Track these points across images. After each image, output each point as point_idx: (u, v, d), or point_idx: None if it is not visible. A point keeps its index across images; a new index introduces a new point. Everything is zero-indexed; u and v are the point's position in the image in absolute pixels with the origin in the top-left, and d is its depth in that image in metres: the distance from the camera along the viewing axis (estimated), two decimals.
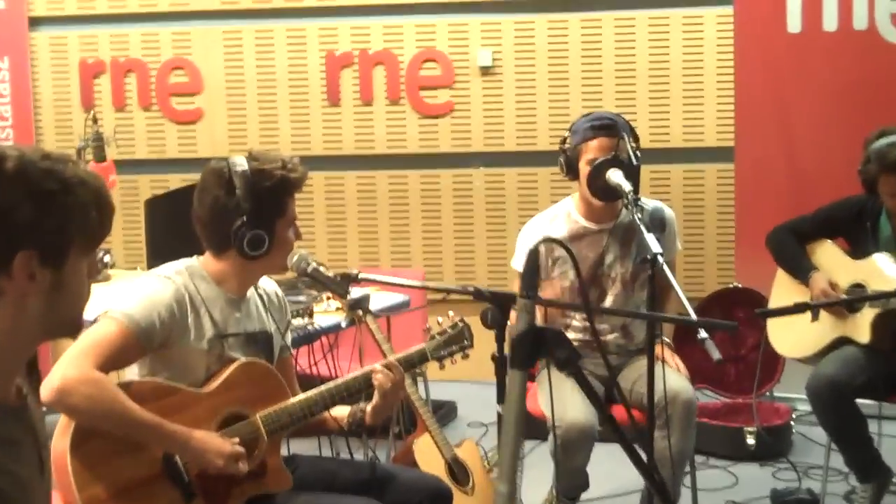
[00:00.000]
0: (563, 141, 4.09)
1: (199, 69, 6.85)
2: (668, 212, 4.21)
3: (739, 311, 5.59)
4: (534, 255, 2.13)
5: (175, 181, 6.54)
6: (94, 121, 5.04)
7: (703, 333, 3.04)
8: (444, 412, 5.94)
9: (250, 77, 6.84)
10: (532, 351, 2.09)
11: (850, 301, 4.34)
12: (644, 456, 2.46)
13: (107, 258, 4.96)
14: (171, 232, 4.61)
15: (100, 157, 4.97)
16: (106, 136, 4.98)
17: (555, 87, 6.61)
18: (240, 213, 2.96)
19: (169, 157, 6.90)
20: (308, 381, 3.44)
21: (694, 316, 3.10)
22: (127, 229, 6.55)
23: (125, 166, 6.76)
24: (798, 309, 2.94)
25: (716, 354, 3.02)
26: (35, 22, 6.88)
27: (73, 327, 1.86)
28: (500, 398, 2.71)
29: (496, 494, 2.06)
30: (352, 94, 6.78)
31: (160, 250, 4.57)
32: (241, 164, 2.99)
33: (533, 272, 2.12)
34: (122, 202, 6.79)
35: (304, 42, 6.78)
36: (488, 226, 6.70)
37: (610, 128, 3.97)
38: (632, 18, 6.52)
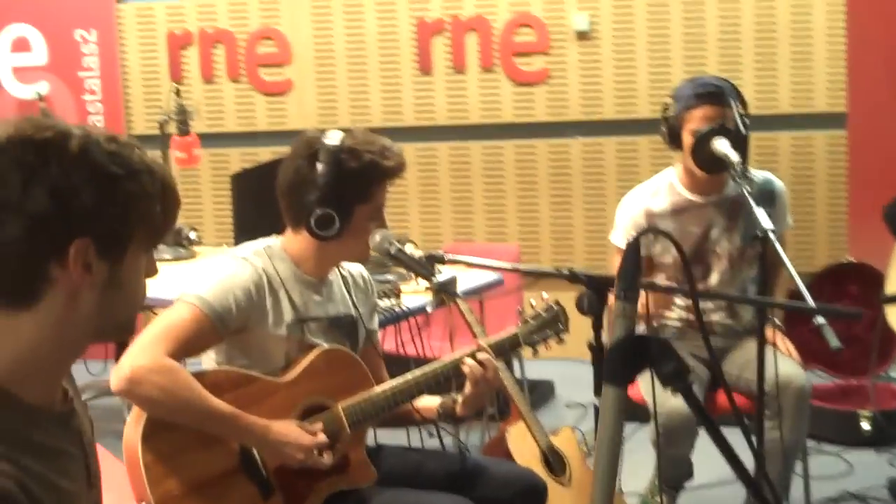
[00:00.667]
0: (665, 108, 3.84)
1: (288, 39, 6.70)
2: (779, 184, 3.96)
3: (853, 287, 5.34)
4: (634, 249, 1.85)
5: (265, 154, 6.41)
6: (177, 93, 4.92)
7: (820, 319, 2.79)
8: (541, 393, 5.75)
9: (339, 47, 6.67)
10: (632, 363, 1.80)
11: None
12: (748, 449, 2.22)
13: (192, 234, 4.84)
14: (258, 208, 4.46)
15: (183, 130, 4.85)
16: (189, 110, 4.84)
17: (655, 52, 6.33)
18: (317, 187, 2.77)
19: (258, 130, 6.77)
20: (396, 361, 3.28)
21: (811, 301, 2.84)
22: (217, 205, 6.45)
23: (214, 139, 6.69)
24: None
25: (834, 342, 2.77)
26: None
27: (126, 329, 1.69)
28: (597, 390, 2.48)
29: None
30: (444, 63, 6.58)
31: (247, 227, 4.42)
32: (334, 137, 2.82)
33: (634, 269, 1.84)
34: (212, 176, 6.72)
35: (394, 9, 6.59)
36: (586, 198, 6.46)
37: (716, 95, 3.72)
38: None
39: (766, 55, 6.21)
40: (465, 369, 2.90)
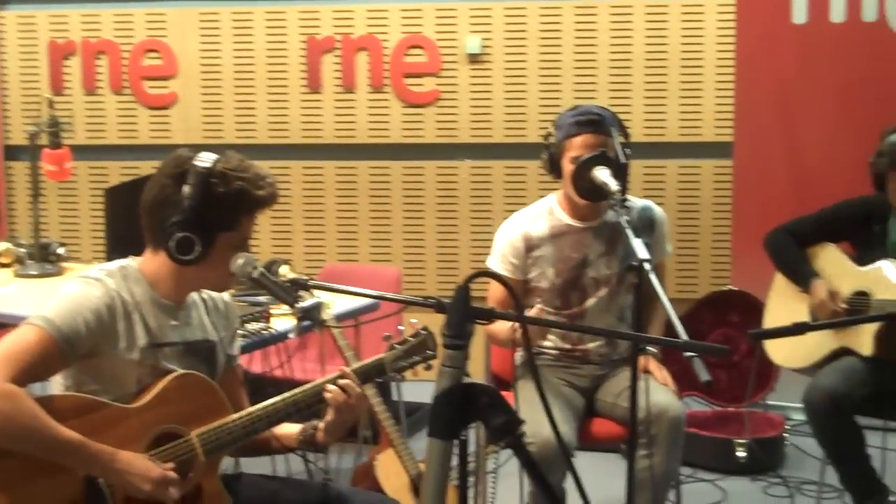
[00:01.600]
0: (548, 136, 3.83)
1: (174, 52, 6.58)
2: (658, 211, 3.95)
3: (734, 315, 5.40)
4: (463, 297, 1.76)
5: (146, 168, 6.23)
6: (51, 104, 4.75)
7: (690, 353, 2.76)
8: (419, 416, 5.66)
9: (227, 61, 6.56)
10: (459, 416, 1.71)
11: (855, 321, 4.07)
12: None
13: (60, 250, 4.68)
14: (132, 224, 4.32)
15: (55, 142, 4.68)
16: (62, 122, 4.68)
17: (546, 77, 6.33)
18: (181, 209, 2.66)
19: (141, 143, 6.63)
20: (266, 385, 3.18)
21: (683, 334, 2.80)
22: (94, 219, 6.28)
23: (95, 152, 6.56)
24: (796, 330, 2.66)
25: (704, 376, 2.74)
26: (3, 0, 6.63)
27: None
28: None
29: None
30: (333, 81, 6.50)
31: (120, 244, 4.27)
32: (205, 159, 2.69)
33: (463, 315, 1.75)
34: (90, 190, 6.55)
35: (284, 25, 6.51)
36: (473, 221, 6.43)
37: (596, 123, 3.71)
38: (629, 6, 6.23)
39: (656, 84, 6.25)
40: (327, 395, 2.80)
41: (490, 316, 1.93)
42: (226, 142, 6.35)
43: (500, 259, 3.93)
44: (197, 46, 6.56)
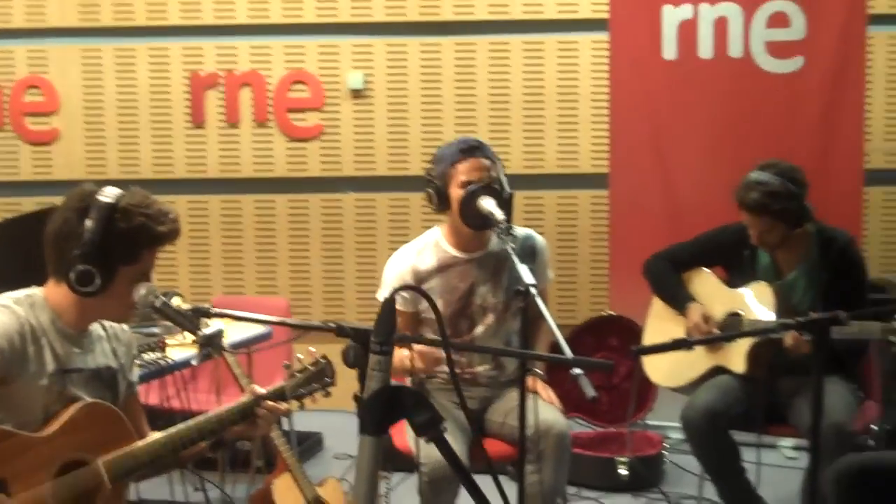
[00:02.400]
0: (429, 173, 3.92)
1: (56, 88, 6.57)
2: (539, 240, 4.10)
3: (613, 339, 5.55)
4: (389, 307, 1.92)
5: (28, 204, 6.22)
6: None
7: (576, 370, 2.89)
8: (310, 444, 5.74)
9: (110, 97, 6.59)
10: (386, 414, 1.87)
11: (727, 338, 4.30)
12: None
13: None
14: (16, 259, 4.32)
15: None
16: None
17: (428, 112, 6.49)
18: (83, 242, 2.72)
19: (22, 180, 6.59)
20: (161, 415, 3.23)
21: (569, 352, 2.95)
22: None
23: None
24: (675, 346, 2.83)
25: (590, 392, 2.87)
26: None
27: None
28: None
29: None
30: (217, 116, 6.57)
31: (6, 278, 4.26)
32: (109, 194, 2.75)
33: (388, 324, 1.91)
34: None
35: (168, 62, 6.56)
36: (358, 253, 6.54)
37: (479, 148, 3.85)
38: (506, 43, 6.43)
39: (534, 118, 6.46)
40: (261, 411, 2.90)
41: (413, 340, 2.07)
42: (109, 177, 6.33)
43: (390, 292, 4.01)
44: (79, 82, 6.57)
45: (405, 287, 2.12)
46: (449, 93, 6.47)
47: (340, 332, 2.52)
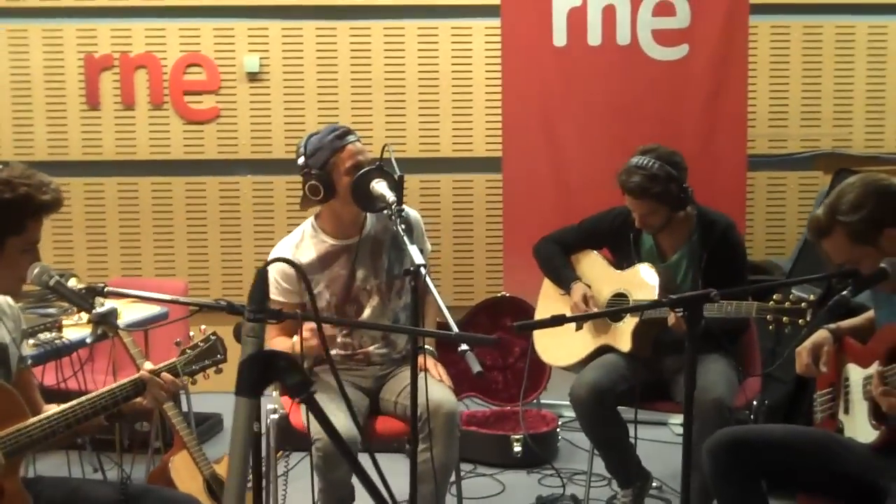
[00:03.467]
0: (305, 167, 3.95)
1: None
2: (413, 213, 4.15)
3: (507, 319, 5.63)
4: (262, 278, 2.05)
5: None
6: None
7: (463, 346, 2.99)
8: (210, 425, 5.78)
9: (3, 78, 6.54)
10: (260, 377, 1.99)
11: (603, 315, 4.45)
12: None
13: None
14: None
15: None
16: None
17: (324, 94, 6.56)
18: None
19: None
20: (57, 395, 3.26)
21: (455, 328, 3.04)
22: None
23: None
24: (555, 322, 2.92)
25: (476, 367, 2.98)
26: None
27: None
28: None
29: None
30: (112, 98, 6.55)
31: None
32: None
33: (261, 292, 2.04)
34: None
35: (61, 43, 6.53)
36: (256, 234, 6.58)
37: (351, 132, 3.96)
38: (401, 27, 6.51)
39: (430, 102, 6.56)
40: (153, 386, 2.99)
41: (279, 316, 2.16)
42: (3, 159, 6.28)
43: (273, 287, 4.00)
44: None
45: (277, 259, 2.21)
46: (345, 76, 6.53)
47: (231, 309, 2.59)
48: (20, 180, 2.82)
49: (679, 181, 4.30)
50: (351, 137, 3.94)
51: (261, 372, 2.01)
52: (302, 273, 2.16)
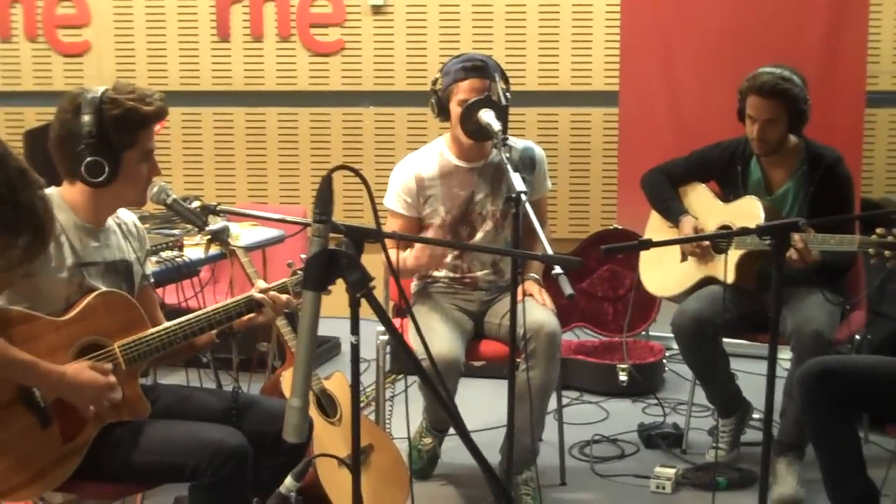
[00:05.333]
0: (435, 82, 4.13)
1: (87, 1, 6.77)
2: (539, 151, 4.28)
3: (622, 252, 5.68)
4: (328, 183, 2.28)
5: None
6: None
7: (557, 269, 3.09)
8: (328, 348, 6.01)
9: (139, 10, 6.79)
10: (325, 273, 2.20)
11: (686, 241, 4.49)
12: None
13: None
14: (51, 163, 4.56)
15: None
16: None
17: (445, 28, 6.65)
18: (84, 138, 2.96)
19: (55, 90, 6.81)
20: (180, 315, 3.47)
21: (550, 249, 3.15)
22: None
23: (10, 98, 6.73)
24: (642, 246, 3.01)
25: (568, 290, 3.07)
26: None
27: None
28: (354, 329, 2.75)
29: (289, 408, 2.21)
30: (242, 30, 6.76)
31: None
32: (95, 90, 3.00)
33: (327, 197, 2.27)
34: (7, 134, 6.72)
35: None
36: (377, 165, 6.73)
37: (481, 69, 4.01)
38: None
39: (549, 35, 6.61)
40: (263, 297, 3.19)
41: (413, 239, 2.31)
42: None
43: (395, 198, 4.25)
44: None
45: (342, 167, 2.36)
46: (466, 9, 6.62)
47: (333, 228, 2.76)
48: (124, 96, 3.00)
49: (805, 92, 4.31)
50: (478, 73, 4.00)
51: (325, 267, 2.21)
52: (361, 177, 2.32)
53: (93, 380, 2.87)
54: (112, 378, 2.91)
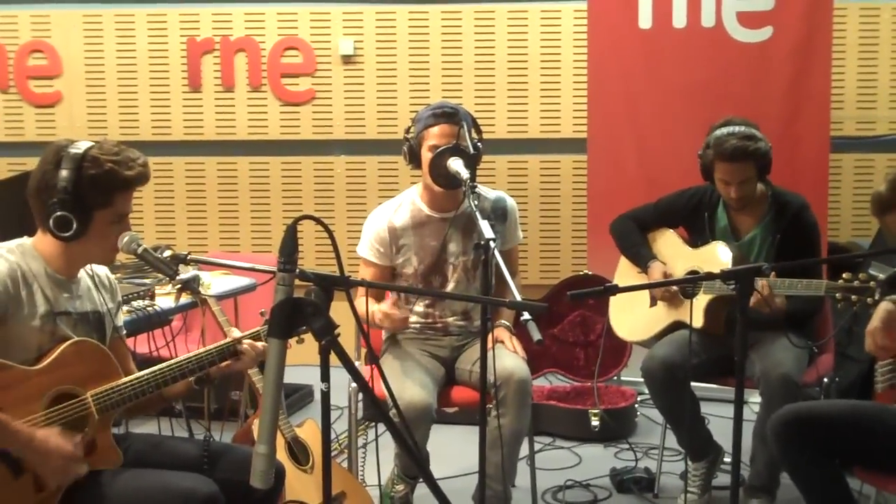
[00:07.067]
0: (407, 130, 4.18)
1: (59, 52, 6.81)
2: (511, 202, 4.32)
3: (589, 298, 5.72)
4: (292, 232, 2.34)
5: (33, 165, 6.41)
6: None
7: (526, 315, 3.13)
8: (301, 395, 6.02)
9: (110, 61, 6.83)
10: (290, 321, 2.26)
11: (652, 286, 4.54)
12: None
13: None
14: (15, 215, 4.57)
15: None
16: None
17: (415, 77, 6.73)
18: (59, 192, 2.98)
19: (27, 140, 6.85)
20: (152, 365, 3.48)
21: (518, 295, 3.19)
22: None
23: None
24: (607, 291, 3.05)
25: (536, 335, 3.11)
26: None
27: None
28: (324, 377, 2.77)
29: (255, 455, 2.22)
30: (213, 80, 6.81)
31: (8, 233, 4.51)
32: (80, 146, 3.02)
33: (291, 246, 2.32)
34: None
35: (165, 27, 6.80)
36: (349, 212, 6.79)
37: (450, 115, 4.06)
38: (491, 11, 6.66)
39: (518, 84, 6.70)
40: (242, 346, 3.22)
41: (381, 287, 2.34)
42: (110, 139, 6.58)
43: (368, 246, 4.29)
44: (81, 47, 6.82)
45: (305, 217, 2.39)
46: (436, 59, 6.70)
47: (303, 276, 2.79)
48: (106, 157, 3.02)
49: (767, 142, 4.38)
50: (448, 119, 4.05)
51: (289, 316, 2.27)
52: (325, 227, 2.37)
53: (59, 447, 2.87)
54: (79, 451, 2.91)
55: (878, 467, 3.49)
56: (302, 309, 2.27)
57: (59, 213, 2.98)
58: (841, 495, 3.50)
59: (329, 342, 2.27)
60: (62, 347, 3.00)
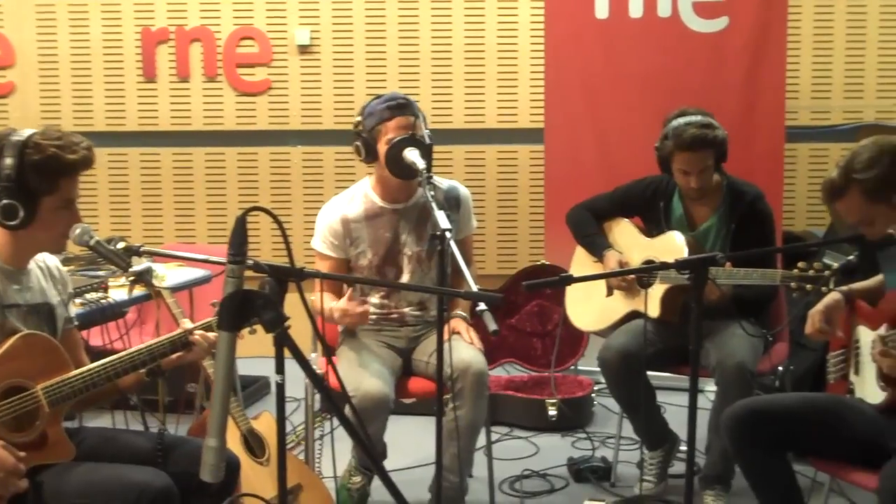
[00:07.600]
0: (357, 125, 4.14)
1: (11, 42, 6.74)
2: (464, 191, 4.31)
3: (545, 288, 5.74)
4: (242, 224, 2.34)
5: None
6: None
7: (481, 305, 3.12)
8: (257, 387, 5.98)
9: (63, 51, 6.76)
10: (240, 313, 2.24)
11: (607, 276, 4.56)
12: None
13: None
14: None
15: None
16: None
17: (372, 67, 6.70)
18: (2, 179, 2.94)
19: None
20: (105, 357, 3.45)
21: (474, 286, 3.19)
22: None
23: None
24: (562, 281, 3.05)
25: (492, 326, 3.10)
26: None
27: None
28: (279, 369, 2.75)
29: (205, 448, 2.23)
30: (168, 70, 6.75)
31: None
32: (23, 133, 2.99)
33: (241, 238, 2.33)
34: None
35: (120, 16, 6.74)
36: (305, 203, 6.76)
37: (406, 106, 4.05)
38: (448, 0, 6.62)
39: (475, 73, 6.69)
40: (194, 337, 3.19)
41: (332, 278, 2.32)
42: (64, 129, 6.51)
43: (321, 240, 4.27)
44: (34, 36, 6.74)
45: (256, 208, 2.37)
46: (392, 49, 6.68)
47: (258, 268, 2.77)
48: (49, 142, 2.98)
49: (723, 130, 4.41)
50: (404, 111, 4.05)
51: (239, 308, 2.25)
52: (275, 218, 2.36)
53: (2, 458, 2.84)
54: (21, 465, 2.88)
55: (832, 457, 3.51)
56: (252, 301, 2.25)
57: (4, 202, 2.94)
58: (790, 491, 3.53)
59: (279, 335, 2.24)
60: (11, 341, 2.96)
